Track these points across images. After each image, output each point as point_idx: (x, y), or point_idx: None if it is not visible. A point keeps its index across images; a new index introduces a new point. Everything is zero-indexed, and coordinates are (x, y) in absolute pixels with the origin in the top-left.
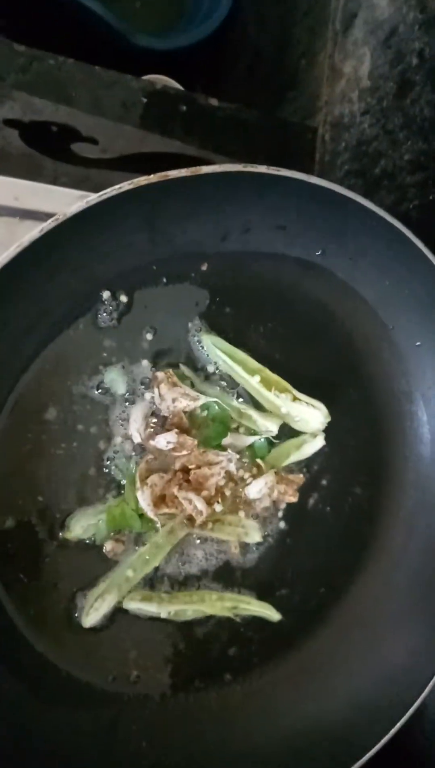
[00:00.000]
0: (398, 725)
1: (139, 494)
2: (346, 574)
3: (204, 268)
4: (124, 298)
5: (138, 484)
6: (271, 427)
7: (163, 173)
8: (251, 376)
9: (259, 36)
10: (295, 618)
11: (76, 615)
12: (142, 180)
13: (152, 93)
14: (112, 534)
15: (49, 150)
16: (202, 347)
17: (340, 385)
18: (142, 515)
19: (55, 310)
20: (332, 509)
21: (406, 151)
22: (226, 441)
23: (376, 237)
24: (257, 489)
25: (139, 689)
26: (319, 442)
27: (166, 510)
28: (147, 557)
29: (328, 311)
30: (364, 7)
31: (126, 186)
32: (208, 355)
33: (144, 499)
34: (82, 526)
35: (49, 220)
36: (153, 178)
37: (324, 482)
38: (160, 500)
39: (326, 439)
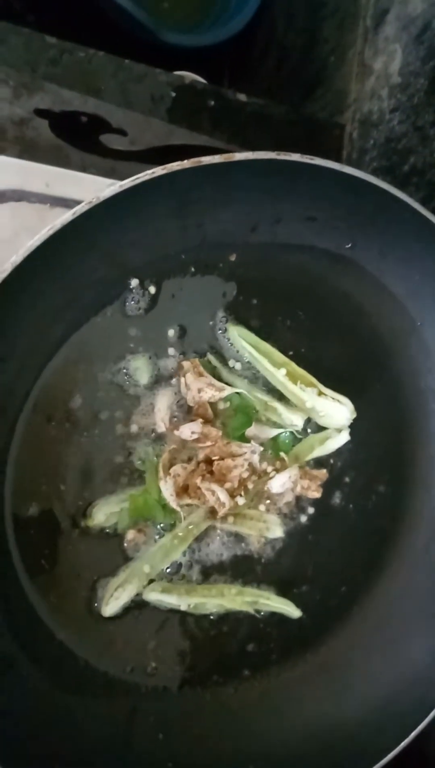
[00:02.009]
0: (420, 728)
1: (162, 484)
2: (368, 572)
3: (232, 258)
4: (152, 288)
5: (161, 474)
6: (296, 420)
7: (197, 159)
8: (277, 369)
9: (288, 32)
10: (316, 615)
11: (96, 604)
12: (176, 165)
13: (181, 87)
14: (134, 524)
15: (78, 141)
16: (228, 338)
17: (366, 381)
18: (164, 506)
19: (83, 296)
20: (355, 506)
21: None
22: (250, 432)
23: (407, 230)
24: (280, 483)
25: (157, 681)
26: (343, 437)
27: (188, 501)
28: (168, 548)
29: (356, 305)
30: (397, 2)
31: (159, 171)
32: (233, 347)
33: (167, 489)
34: (104, 514)
35: (82, 203)
36: (186, 163)
37: (347, 479)
38: (182, 491)
39: (350, 435)
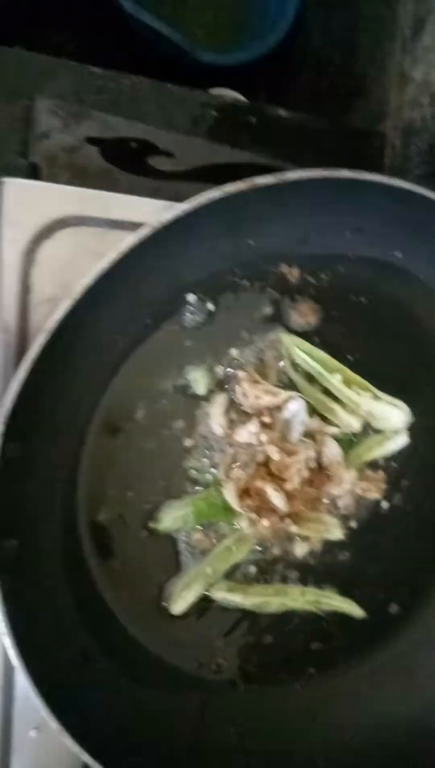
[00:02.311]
0: None
1: (224, 487)
2: (429, 573)
3: (284, 270)
4: (208, 302)
5: (223, 477)
6: (354, 423)
7: (251, 180)
8: (332, 375)
9: (325, 44)
10: (379, 615)
11: (165, 603)
12: (231, 187)
13: (222, 106)
14: (198, 526)
15: (127, 165)
16: (283, 348)
17: (421, 386)
18: (227, 508)
19: (143, 312)
20: (414, 508)
21: None
22: (311, 426)
23: None
24: (340, 484)
25: (225, 677)
26: (401, 440)
27: (250, 503)
28: (231, 549)
29: (408, 311)
30: (434, 12)
31: (215, 194)
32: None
33: (229, 492)
34: (170, 518)
35: (143, 228)
36: (241, 185)
37: (405, 482)
38: (244, 493)
39: (413, 440)
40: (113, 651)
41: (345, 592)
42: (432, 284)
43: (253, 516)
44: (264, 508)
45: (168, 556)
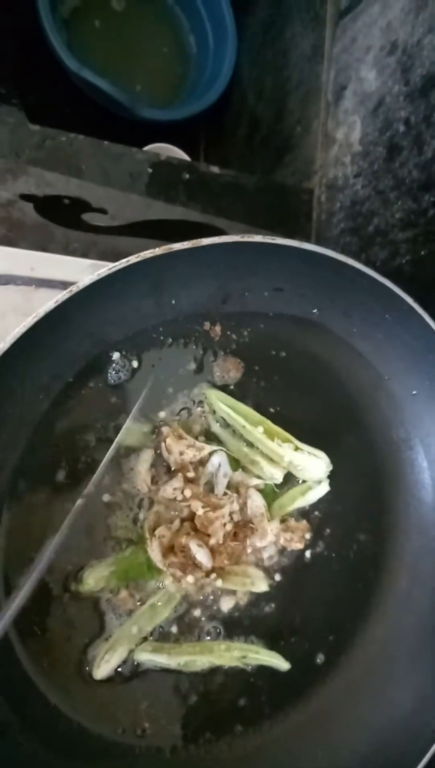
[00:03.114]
0: None
1: (148, 546)
2: (354, 620)
3: (206, 328)
4: (133, 360)
5: (147, 536)
6: (276, 474)
7: (168, 246)
8: (254, 427)
9: (257, 104)
10: (304, 666)
11: (87, 667)
12: (148, 253)
13: (157, 163)
14: (122, 586)
15: (61, 220)
16: (206, 401)
17: (340, 434)
18: (151, 566)
19: (67, 371)
20: (337, 556)
21: (397, 210)
22: (235, 478)
23: (368, 294)
24: (263, 537)
25: (151, 741)
26: (323, 488)
27: (174, 560)
28: (157, 608)
29: (326, 364)
30: (353, 80)
31: (133, 259)
32: (211, 409)
33: (153, 551)
34: (94, 578)
35: (64, 292)
36: (158, 251)
37: (328, 530)
38: (168, 551)
39: (330, 487)
40: (34, 723)
41: (272, 644)
42: (348, 338)
43: (178, 573)
44: (188, 564)
45: (91, 618)
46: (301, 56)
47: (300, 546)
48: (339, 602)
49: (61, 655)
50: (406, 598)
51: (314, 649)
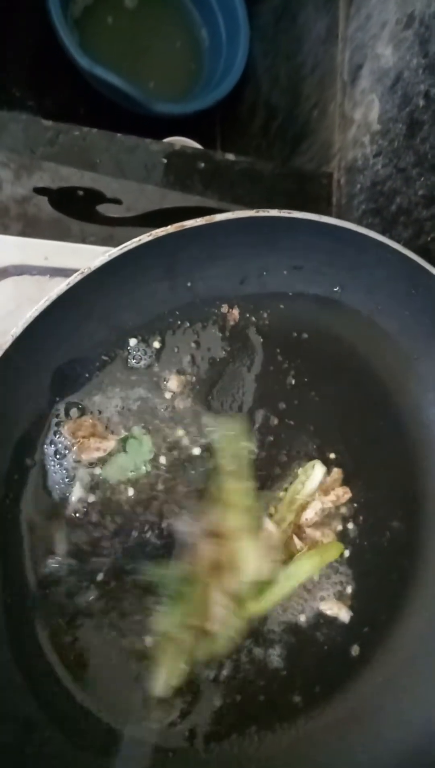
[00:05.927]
0: None
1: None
2: (390, 611)
3: (224, 311)
4: (156, 343)
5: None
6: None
7: (180, 224)
8: None
9: (272, 92)
10: (339, 658)
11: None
12: (160, 231)
13: (171, 154)
14: None
15: (76, 212)
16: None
17: (368, 418)
18: None
19: (84, 358)
20: (370, 544)
21: (420, 187)
22: None
23: (392, 269)
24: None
25: (181, 738)
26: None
27: None
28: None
29: (350, 345)
30: (369, 57)
31: (145, 238)
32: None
33: None
34: None
35: (75, 274)
36: (170, 228)
37: (361, 517)
38: None
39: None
40: (61, 719)
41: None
42: (373, 317)
43: None
44: None
45: None
46: (315, 40)
47: (349, 495)
48: (374, 594)
49: None
50: None
51: (349, 641)
